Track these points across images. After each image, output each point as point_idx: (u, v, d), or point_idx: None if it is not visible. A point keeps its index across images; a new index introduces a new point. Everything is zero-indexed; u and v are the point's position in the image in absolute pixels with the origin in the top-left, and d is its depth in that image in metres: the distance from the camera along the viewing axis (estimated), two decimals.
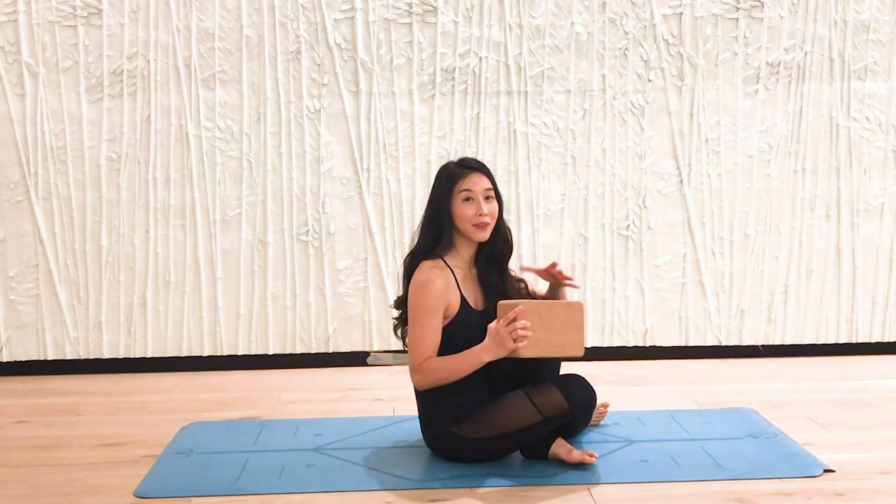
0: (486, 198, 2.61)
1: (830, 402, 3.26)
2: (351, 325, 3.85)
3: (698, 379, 3.64)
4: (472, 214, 2.58)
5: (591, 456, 2.58)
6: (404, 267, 2.69)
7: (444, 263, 2.62)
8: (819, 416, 3.10)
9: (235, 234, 3.79)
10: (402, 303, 2.70)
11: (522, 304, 2.43)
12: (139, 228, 3.76)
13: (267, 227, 3.79)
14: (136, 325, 3.80)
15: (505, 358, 2.50)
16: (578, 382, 2.61)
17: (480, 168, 2.64)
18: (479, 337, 2.64)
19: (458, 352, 2.57)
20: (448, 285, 2.58)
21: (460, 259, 2.66)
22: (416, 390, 2.68)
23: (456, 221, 2.61)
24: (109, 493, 2.48)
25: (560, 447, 2.62)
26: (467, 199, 2.59)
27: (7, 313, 3.77)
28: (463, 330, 2.60)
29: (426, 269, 2.59)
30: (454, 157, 3.76)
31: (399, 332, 2.74)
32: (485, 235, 2.62)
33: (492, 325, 2.49)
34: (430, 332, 2.56)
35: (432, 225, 2.63)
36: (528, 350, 2.43)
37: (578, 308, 2.48)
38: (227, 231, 3.79)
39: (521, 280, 2.78)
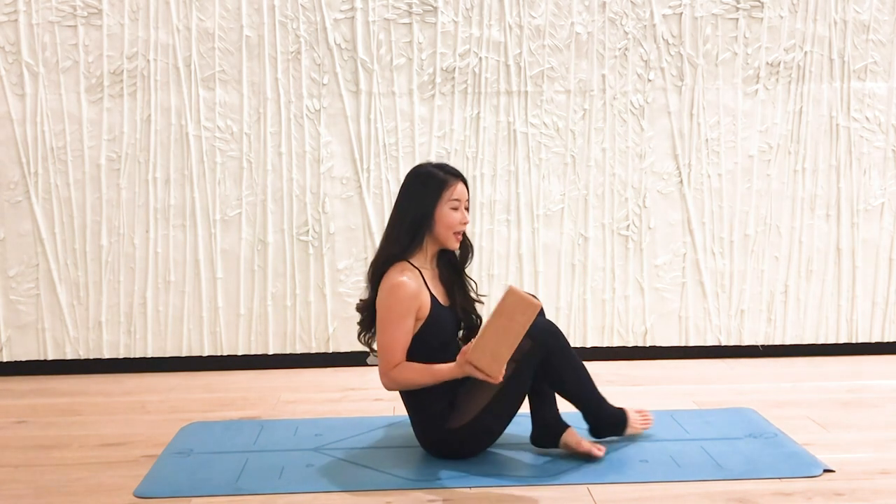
0: (466, 208, 2.68)
1: (830, 402, 3.26)
2: (351, 325, 3.85)
3: (698, 379, 3.64)
4: (457, 222, 2.64)
5: (599, 449, 2.63)
6: (374, 270, 2.68)
7: (411, 265, 2.64)
8: (819, 416, 3.10)
9: (235, 234, 3.79)
10: (367, 306, 2.70)
11: (480, 357, 2.41)
12: (139, 228, 3.76)
13: (267, 227, 3.79)
14: (136, 325, 3.80)
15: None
16: (541, 320, 2.62)
17: (462, 177, 2.70)
18: (453, 332, 2.72)
19: (435, 350, 2.62)
20: (419, 288, 2.60)
21: (426, 259, 2.70)
22: (403, 399, 2.72)
23: (437, 226, 2.64)
24: (109, 493, 2.48)
25: (570, 436, 2.67)
26: (454, 208, 2.63)
27: (7, 313, 3.77)
28: (437, 328, 2.64)
29: (397, 272, 2.60)
30: (454, 158, 3.78)
31: (363, 336, 2.75)
32: (457, 244, 2.69)
33: (467, 354, 2.45)
34: (402, 335, 2.57)
35: (413, 228, 2.63)
36: (500, 365, 2.44)
37: (508, 298, 2.40)
38: (227, 231, 3.79)
39: (472, 280, 2.83)
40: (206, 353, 3.82)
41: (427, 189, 2.63)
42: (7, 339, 3.78)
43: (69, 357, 3.80)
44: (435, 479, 2.52)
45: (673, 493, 2.43)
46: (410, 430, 2.94)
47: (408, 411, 2.75)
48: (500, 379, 2.44)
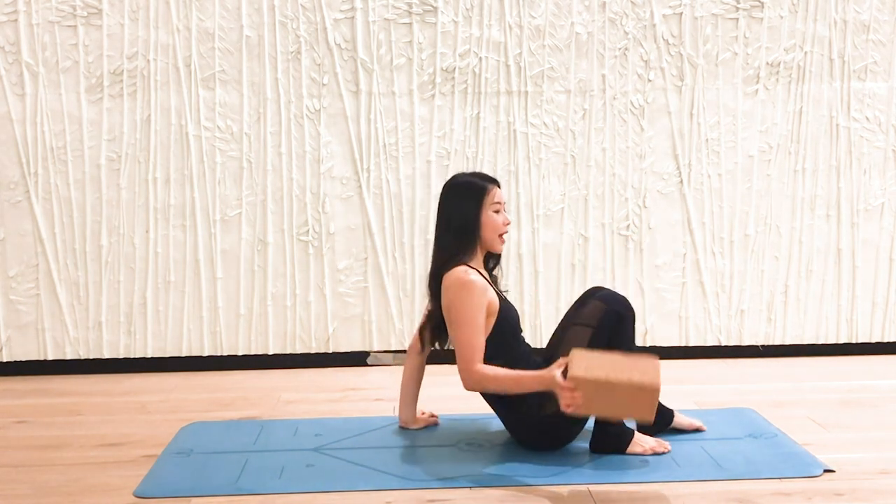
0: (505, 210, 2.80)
1: (830, 402, 3.26)
2: (351, 325, 3.85)
3: (698, 379, 3.65)
4: (501, 224, 2.73)
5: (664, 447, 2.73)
6: (433, 280, 2.75)
7: (471, 267, 2.69)
8: (819, 416, 3.10)
9: (235, 234, 3.79)
10: (433, 315, 2.78)
11: (582, 382, 2.33)
12: (139, 228, 3.76)
13: (267, 227, 3.79)
14: (136, 325, 3.80)
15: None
16: (610, 291, 2.73)
17: (498, 182, 2.79)
18: (519, 322, 2.77)
19: (510, 341, 2.67)
20: (485, 285, 2.66)
21: (479, 264, 2.76)
22: (490, 397, 2.74)
23: (483, 231, 2.71)
24: (109, 493, 2.48)
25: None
26: (496, 211, 2.73)
27: (7, 313, 3.77)
28: (509, 320, 2.70)
29: (461, 272, 2.64)
30: (454, 158, 3.78)
31: (432, 341, 2.83)
32: (502, 246, 2.77)
33: (555, 370, 2.44)
34: (479, 330, 2.61)
35: (462, 233, 2.70)
36: (585, 412, 2.40)
37: (652, 390, 2.32)
38: (227, 231, 3.79)
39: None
40: (206, 353, 3.83)
41: (470, 197, 2.71)
42: (7, 339, 3.78)
43: (69, 357, 3.80)
44: (435, 479, 2.53)
45: (673, 493, 2.43)
46: (411, 429, 2.95)
47: (495, 408, 2.76)
48: (572, 412, 2.39)
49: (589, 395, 2.34)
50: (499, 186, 2.76)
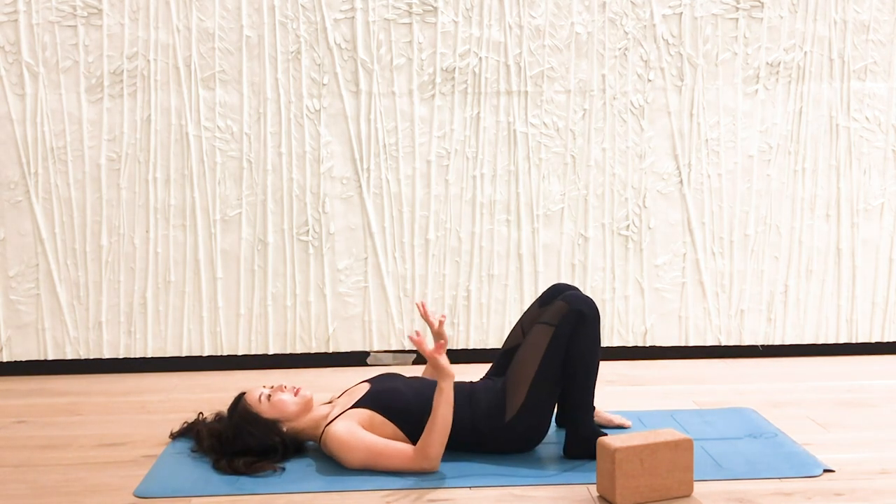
0: (272, 388, 2.74)
1: (830, 402, 3.26)
2: (351, 325, 3.85)
3: (698, 379, 3.65)
4: (287, 398, 2.68)
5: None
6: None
7: (326, 417, 2.69)
8: (819, 416, 3.10)
9: (235, 234, 3.79)
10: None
11: (620, 451, 2.32)
12: (139, 228, 3.76)
13: (267, 227, 3.79)
14: (136, 325, 3.80)
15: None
16: (575, 291, 2.73)
17: (243, 393, 2.76)
18: (407, 385, 2.74)
19: (413, 411, 2.63)
20: (349, 416, 2.63)
21: (316, 414, 2.73)
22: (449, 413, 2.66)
23: (283, 415, 2.67)
24: (109, 493, 2.48)
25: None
26: (269, 397, 2.68)
27: (7, 313, 3.77)
28: (389, 404, 2.66)
29: (331, 435, 2.60)
30: (454, 158, 3.78)
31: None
32: (300, 404, 2.70)
33: (433, 364, 2.51)
34: (385, 445, 2.56)
35: (274, 444, 2.64)
36: (626, 499, 2.32)
37: (687, 446, 2.38)
38: (227, 231, 3.79)
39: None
40: (206, 353, 3.83)
41: (249, 420, 2.65)
42: (7, 339, 3.78)
43: (69, 357, 3.80)
44: (435, 479, 2.53)
45: None
46: None
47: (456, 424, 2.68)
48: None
49: (634, 467, 2.32)
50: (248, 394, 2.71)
